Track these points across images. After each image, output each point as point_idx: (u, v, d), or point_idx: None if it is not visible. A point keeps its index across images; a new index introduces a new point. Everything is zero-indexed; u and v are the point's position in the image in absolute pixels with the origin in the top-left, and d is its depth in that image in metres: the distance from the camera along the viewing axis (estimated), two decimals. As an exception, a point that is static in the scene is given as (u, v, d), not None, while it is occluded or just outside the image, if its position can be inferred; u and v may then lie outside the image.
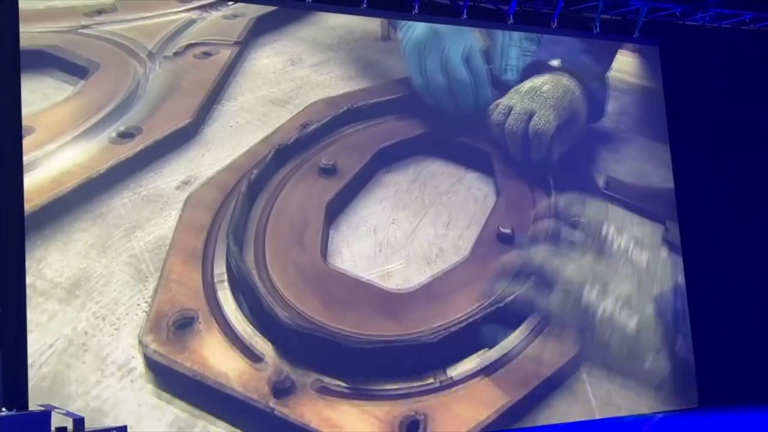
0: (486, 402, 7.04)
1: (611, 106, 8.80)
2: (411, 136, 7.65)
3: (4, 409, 5.52)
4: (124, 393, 6.10)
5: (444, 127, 7.78)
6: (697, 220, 9.17)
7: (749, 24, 9.81)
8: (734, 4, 9.42)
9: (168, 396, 6.20)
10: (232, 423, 6.29)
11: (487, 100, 7.99)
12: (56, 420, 5.41)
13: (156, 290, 6.33)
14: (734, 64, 9.56)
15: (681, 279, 8.73)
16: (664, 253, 8.65)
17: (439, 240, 7.42)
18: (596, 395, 7.79)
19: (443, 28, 7.96)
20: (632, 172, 8.69)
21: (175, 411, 6.19)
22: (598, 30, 9.16)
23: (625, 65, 9.18)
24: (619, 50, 9.13)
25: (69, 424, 5.37)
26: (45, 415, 5.39)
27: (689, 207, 9.19)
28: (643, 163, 8.85)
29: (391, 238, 7.25)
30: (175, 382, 6.23)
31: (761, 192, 9.47)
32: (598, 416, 7.73)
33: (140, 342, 6.19)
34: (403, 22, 7.87)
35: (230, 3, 7.33)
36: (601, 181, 8.43)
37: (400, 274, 7.16)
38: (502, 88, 8.12)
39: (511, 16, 8.62)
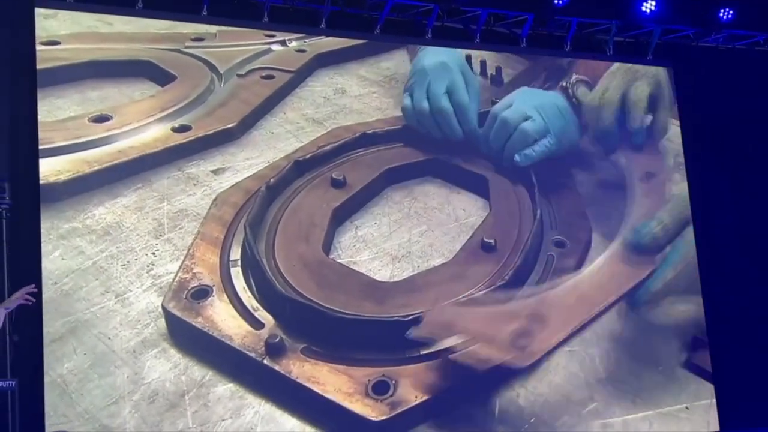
0: (451, 374, 8.11)
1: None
2: (417, 160, 8.92)
3: (21, 434, 6.10)
4: (117, 315, 7.54)
5: (449, 153, 9.01)
6: (715, 244, 9.45)
7: (763, 45, 10.04)
8: (748, 26, 9.64)
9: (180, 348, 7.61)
10: (231, 374, 7.61)
11: (473, 129, 9.06)
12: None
13: (180, 267, 7.76)
14: (749, 86, 9.71)
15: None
16: None
17: (410, 244, 8.59)
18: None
19: (430, 65, 9.07)
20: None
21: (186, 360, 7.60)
22: (611, 53, 9.58)
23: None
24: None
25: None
26: (61, 440, 5.98)
27: (707, 231, 9.44)
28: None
29: (368, 235, 8.50)
30: (188, 337, 7.62)
31: (781, 213, 9.50)
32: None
33: (162, 306, 7.62)
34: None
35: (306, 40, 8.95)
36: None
37: (366, 264, 8.37)
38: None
39: (524, 40, 9.28)
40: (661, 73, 9.81)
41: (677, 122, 9.88)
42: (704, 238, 9.47)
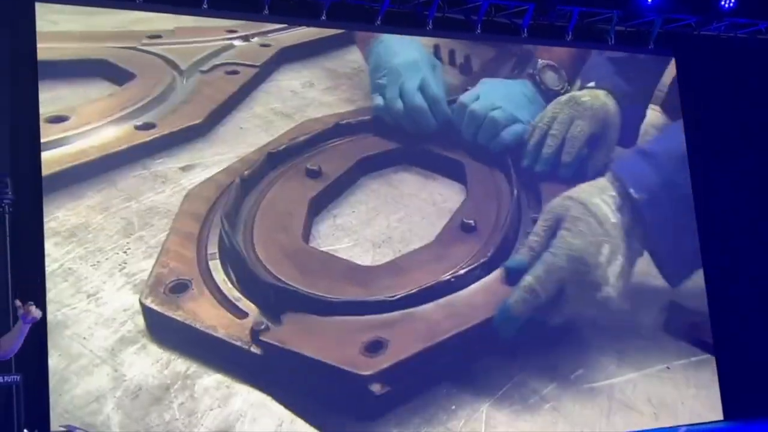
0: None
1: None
2: (391, 148, 8.71)
3: (26, 430, 6.26)
4: (90, 315, 7.23)
5: (423, 141, 8.81)
6: (717, 232, 9.28)
7: (764, 33, 9.96)
8: (749, 14, 9.52)
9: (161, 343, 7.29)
10: (216, 364, 7.33)
11: (447, 120, 8.88)
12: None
13: (155, 264, 7.45)
14: (750, 74, 9.58)
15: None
16: None
17: (389, 230, 8.39)
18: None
19: (400, 63, 8.87)
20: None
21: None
22: (612, 42, 9.47)
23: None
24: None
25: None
26: (67, 435, 5.96)
27: (709, 221, 9.27)
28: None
29: (346, 223, 8.28)
30: (169, 331, 7.31)
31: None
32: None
33: (140, 302, 7.30)
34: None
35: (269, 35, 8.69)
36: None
37: (347, 252, 8.15)
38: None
39: (525, 30, 9.19)
40: (609, 110, 9.41)
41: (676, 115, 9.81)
42: (705, 230, 9.36)
